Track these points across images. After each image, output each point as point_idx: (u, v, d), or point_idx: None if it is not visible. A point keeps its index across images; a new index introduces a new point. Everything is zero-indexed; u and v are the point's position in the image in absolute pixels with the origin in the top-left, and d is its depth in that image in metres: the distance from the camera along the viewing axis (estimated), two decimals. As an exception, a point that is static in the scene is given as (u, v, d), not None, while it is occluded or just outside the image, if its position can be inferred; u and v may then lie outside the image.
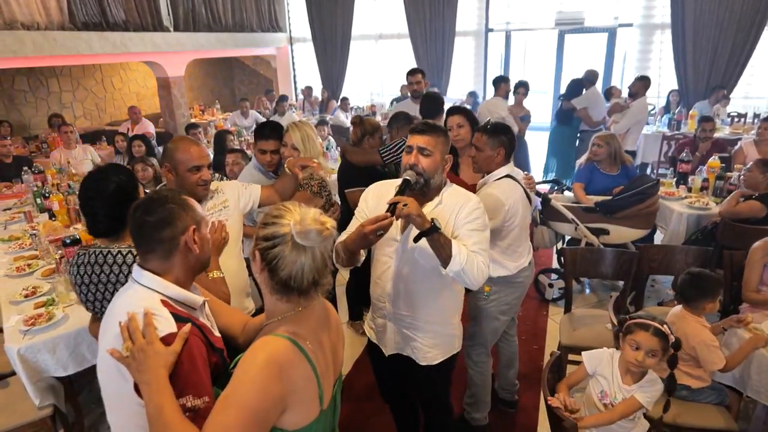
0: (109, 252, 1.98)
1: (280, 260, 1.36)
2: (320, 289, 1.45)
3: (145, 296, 1.45)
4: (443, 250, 2.03)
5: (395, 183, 2.30)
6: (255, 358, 1.31)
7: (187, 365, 1.35)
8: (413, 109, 4.98)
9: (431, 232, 1.98)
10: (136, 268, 1.52)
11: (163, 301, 1.44)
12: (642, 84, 6.77)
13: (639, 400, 2.19)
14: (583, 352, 2.42)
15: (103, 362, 1.45)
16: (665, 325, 2.18)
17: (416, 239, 2.03)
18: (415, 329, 2.31)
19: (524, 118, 6.75)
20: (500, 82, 6.72)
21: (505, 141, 2.87)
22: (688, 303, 2.70)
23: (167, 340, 1.35)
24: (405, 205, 1.92)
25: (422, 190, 2.19)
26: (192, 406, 1.32)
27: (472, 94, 9.76)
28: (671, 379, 2.29)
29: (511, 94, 6.95)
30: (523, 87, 6.89)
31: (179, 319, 1.42)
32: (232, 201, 2.68)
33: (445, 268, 2.06)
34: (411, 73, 5.42)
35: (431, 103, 4.58)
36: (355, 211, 2.39)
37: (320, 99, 10.98)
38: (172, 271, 1.51)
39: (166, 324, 1.38)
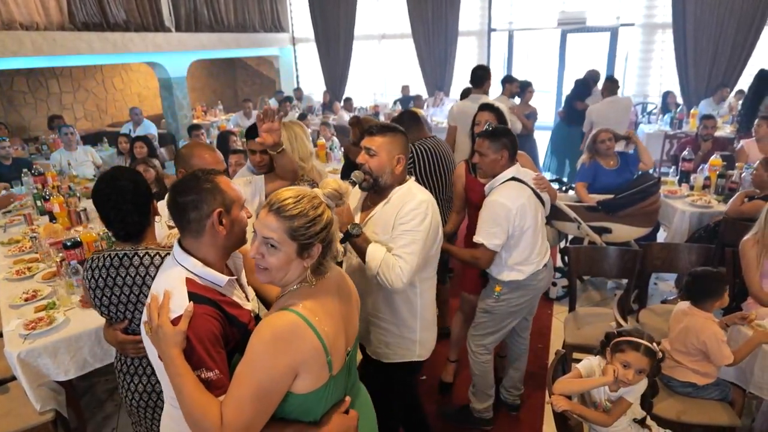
0: (126, 254, 1.92)
1: (335, 231, 1.54)
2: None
3: (175, 273, 1.56)
4: (361, 255, 2.17)
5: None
6: (263, 335, 1.40)
7: (195, 343, 1.44)
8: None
9: (346, 237, 2.12)
10: (175, 243, 1.63)
11: (188, 279, 1.54)
12: (607, 85, 6.63)
13: (628, 399, 2.27)
14: (578, 365, 2.39)
15: (142, 327, 1.60)
16: (653, 343, 2.22)
17: (341, 241, 2.10)
18: (370, 323, 2.38)
19: (529, 116, 6.78)
20: (507, 82, 6.77)
21: (507, 143, 2.82)
22: (695, 303, 2.69)
23: (175, 322, 1.45)
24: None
25: (376, 189, 2.28)
26: (205, 377, 1.43)
27: None
28: (653, 387, 2.32)
29: (517, 94, 7.02)
30: (530, 86, 7.07)
31: (196, 299, 1.50)
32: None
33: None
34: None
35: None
36: None
37: (322, 102, 10.95)
38: (202, 249, 1.60)
39: (179, 305, 1.48)
